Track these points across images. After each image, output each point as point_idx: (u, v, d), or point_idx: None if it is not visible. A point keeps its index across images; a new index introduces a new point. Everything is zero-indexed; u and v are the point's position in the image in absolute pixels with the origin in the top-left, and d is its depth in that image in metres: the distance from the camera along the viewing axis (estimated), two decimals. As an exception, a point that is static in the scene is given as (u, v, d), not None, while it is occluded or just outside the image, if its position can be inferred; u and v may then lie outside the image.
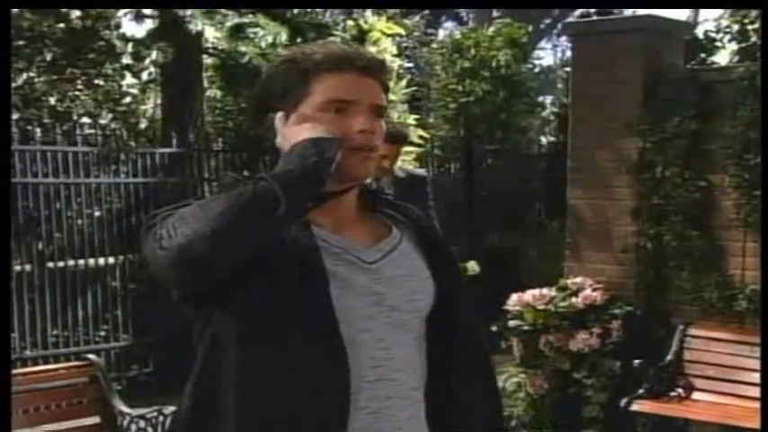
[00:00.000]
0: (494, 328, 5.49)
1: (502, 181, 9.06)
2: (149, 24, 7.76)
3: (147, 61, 7.92)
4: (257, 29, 7.52)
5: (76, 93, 9.06)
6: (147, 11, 7.59)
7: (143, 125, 9.57)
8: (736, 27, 8.10)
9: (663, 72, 5.57)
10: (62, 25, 7.77)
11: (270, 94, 1.59)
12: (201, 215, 1.41)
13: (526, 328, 5.46)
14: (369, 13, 7.53)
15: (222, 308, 1.50)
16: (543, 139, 10.28)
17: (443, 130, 9.25)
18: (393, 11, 10.64)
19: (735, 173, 5.22)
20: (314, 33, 8.03)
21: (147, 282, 6.23)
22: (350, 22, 8.10)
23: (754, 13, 7.57)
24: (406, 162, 6.22)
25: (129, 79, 9.22)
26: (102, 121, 8.88)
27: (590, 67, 5.79)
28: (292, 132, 1.52)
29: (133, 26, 7.90)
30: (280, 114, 1.56)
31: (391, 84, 7.96)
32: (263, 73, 1.65)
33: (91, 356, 4.60)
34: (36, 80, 8.59)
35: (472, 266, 6.21)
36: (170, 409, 4.50)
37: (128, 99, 9.74)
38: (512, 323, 5.52)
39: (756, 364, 4.83)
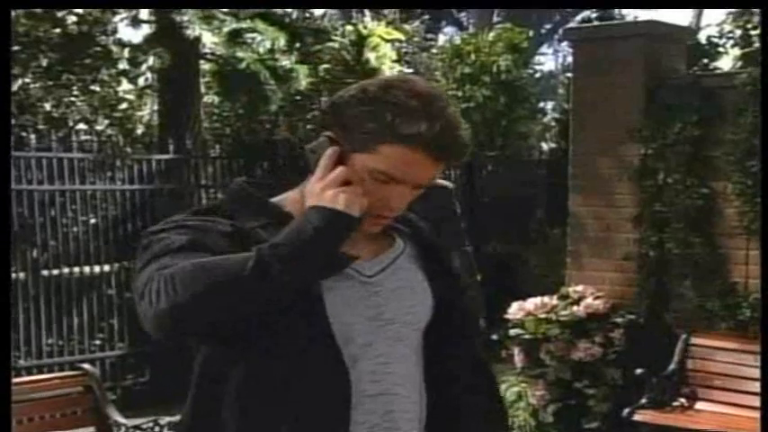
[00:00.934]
0: (494, 337, 5.49)
1: (502, 188, 9.05)
2: (146, 30, 7.77)
3: (144, 67, 7.94)
4: (255, 34, 7.53)
5: (72, 99, 9.06)
6: (143, 16, 7.60)
7: (139, 131, 9.57)
8: (738, 32, 8.11)
9: (665, 78, 5.58)
10: (58, 30, 7.77)
11: (339, 121, 1.49)
12: (191, 284, 1.36)
13: (527, 336, 5.45)
14: (368, 18, 7.55)
15: (222, 340, 1.50)
16: (544, 146, 10.28)
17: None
18: (393, 16, 10.65)
19: (738, 180, 5.22)
20: (312, 39, 8.05)
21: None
22: (349, 28, 8.12)
23: (756, 18, 7.58)
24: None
25: (125, 85, 9.22)
26: (98, 128, 8.88)
27: (591, 73, 5.80)
28: (327, 192, 1.44)
29: (130, 31, 7.92)
30: (333, 151, 1.48)
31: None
32: (360, 87, 1.51)
33: (86, 366, 4.60)
34: (31, 86, 8.59)
35: (472, 274, 6.20)
36: (166, 419, 4.50)
37: (124, 105, 9.74)
38: (513, 332, 5.52)
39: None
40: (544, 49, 20.99)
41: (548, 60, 21.75)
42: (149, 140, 8.24)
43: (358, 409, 1.49)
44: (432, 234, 1.70)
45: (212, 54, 7.99)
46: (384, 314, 1.54)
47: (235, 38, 7.46)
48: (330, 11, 12.51)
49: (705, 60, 7.95)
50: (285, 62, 7.63)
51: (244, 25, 7.50)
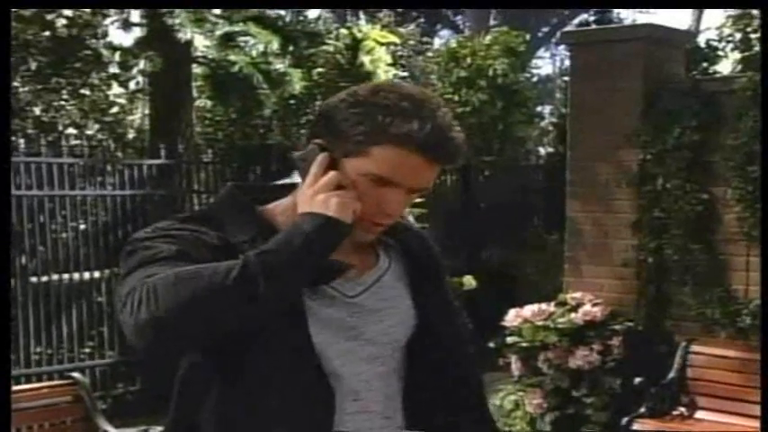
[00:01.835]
0: (491, 345, 5.48)
1: (499, 193, 9.06)
2: (137, 33, 7.77)
3: (135, 70, 7.93)
4: (248, 37, 7.53)
5: (62, 103, 9.05)
6: (134, 19, 7.59)
7: (130, 136, 9.56)
8: (738, 35, 8.13)
9: (664, 82, 5.59)
10: (47, 33, 7.76)
11: (330, 126, 1.48)
12: (172, 295, 1.34)
13: (524, 344, 5.45)
14: (363, 21, 7.56)
15: (203, 353, 1.51)
16: (541, 151, 10.29)
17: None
18: (388, 19, 10.67)
19: (738, 185, 5.23)
20: (306, 42, 8.05)
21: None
22: (343, 31, 8.13)
23: (757, 21, 7.59)
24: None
25: (116, 89, 9.22)
26: (89, 132, 8.87)
27: (589, 77, 5.81)
28: (318, 197, 1.43)
29: (120, 35, 7.91)
30: (323, 157, 1.46)
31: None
32: (350, 92, 1.50)
33: (75, 375, 4.58)
34: (20, 90, 8.58)
35: (468, 281, 6.21)
36: (157, 429, 4.49)
37: (115, 109, 9.74)
38: (509, 339, 5.52)
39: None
40: (541, 52, 21.03)
41: (545, 64, 21.82)
42: (140, 145, 8.23)
43: (337, 428, 1.50)
44: (421, 247, 1.68)
45: (204, 57, 7.99)
46: (364, 334, 1.54)
47: (227, 41, 7.46)
48: (324, 14, 12.53)
49: (705, 64, 7.96)
50: (279, 66, 7.63)
51: (236, 28, 7.50)
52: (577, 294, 5.59)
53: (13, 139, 6.62)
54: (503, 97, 8.82)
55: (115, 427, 4.36)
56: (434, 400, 1.61)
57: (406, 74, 10.27)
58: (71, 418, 4.29)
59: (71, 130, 8.81)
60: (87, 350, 6.65)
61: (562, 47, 16.75)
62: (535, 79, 12.06)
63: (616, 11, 17.83)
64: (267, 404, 1.48)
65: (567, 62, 8.41)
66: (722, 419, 5.06)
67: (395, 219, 1.54)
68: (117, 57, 7.76)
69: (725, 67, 8.26)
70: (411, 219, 3.30)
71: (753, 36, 7.74)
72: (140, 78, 8.58)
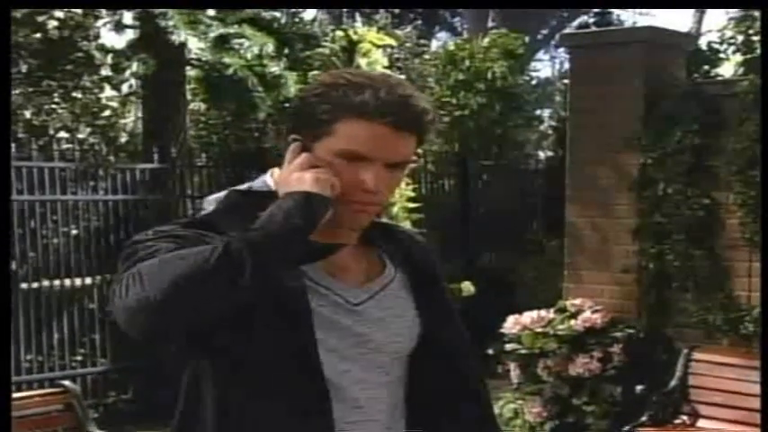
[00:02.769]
0: (490, 352, 5.48)
1: (498, 198, 9.07)
2: (129, 35, 7.76)
3: (128, 73, 7.91)
4: (242, 40, 7.53)
5: (53, 106, 9.04)
6: (127, 20, 7.59)
7: (123, 140, 9.56)
8: (740, 38, 8.15)
9: (664, 85, 5.60)
10: (38, 35, 7.76)
11: (298, 115, 1.56)
12: (157, 276, 1.36)
13: (523, 351, 5.45)
14: (359, 23, 7.57)
15: (200, 345, 1.51)
16: (541, 155, 10.31)
17: (437, 144, 9.26)
18: (385, 21, 10.68)
19: (740, 190, 5.23)
20: (302, 44, 8.05)
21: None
22: (339, 33, 8.12)
23: (758, 23, 7.61)
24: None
25: (108, 92, 9.20)
26: (80, 136, 8.86)
27: (589, 80, 5.82)
28: (293, 177, 1.48)
29: (113, 37, 7.90)
30: (295, 144, 1.52)
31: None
32: (305, 89, 1.62)
33: (66, 383, 4.57)
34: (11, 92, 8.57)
35: (467, 287, 6.21)
36: (149, 437, 4.48)
37: (107, 112, 9.72)
38: (508, 347, 5.52)
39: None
40: (540, 55, 21.05)
41: (544, 67, 21.81)
42: (133, 149, 8.23)
43: None
44: (423, 255, 1.70)
45: (198, 60, 7.99)
46: (368, 343, 1.56)
47: (222, 43, 7.45)
48: (320, 16, 12.55)
49: (706, 67, 7.98)
50: (274, 68, 7.63)
51: (231, 30, 7.50)
52: (577, 301, 5.60)
53: (4, 142, 6.60)
54: (501, 100, 8.84)
55: (107, 436, 4.35)
56: (438, 410, 1.63)
57: (403, 76, 10.29)
58: (62, 427, 4.28)
59: (62, 134, 8.80)
60: (79, 358, 6.64)
61: (561, 49, 16.78)
62: (534, 82, 12.05)
63: (616, 13, 17.88)
64: (266, 409, 1.49)
65: (567, 65, 8.43)
66: (725, 428, 5.06)
67: (379, 197, 1.54)
68: (109, 59, 7.76)
69: (727, 69, 8.27)
70: (408, 224, 3.30)
71: (755, 38, 7.76)
72: (133, 81, 8.57)
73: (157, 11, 7.04)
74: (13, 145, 6.57)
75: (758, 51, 7.29)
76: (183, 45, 7.40)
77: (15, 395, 5.00)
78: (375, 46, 7.49)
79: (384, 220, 1.85)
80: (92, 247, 6.71)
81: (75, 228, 6.72)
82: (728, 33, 8.33)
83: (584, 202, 5.84)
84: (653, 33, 5.86)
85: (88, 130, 9.33)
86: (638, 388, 5.17)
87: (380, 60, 7.80)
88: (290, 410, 1.49)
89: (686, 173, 5.42)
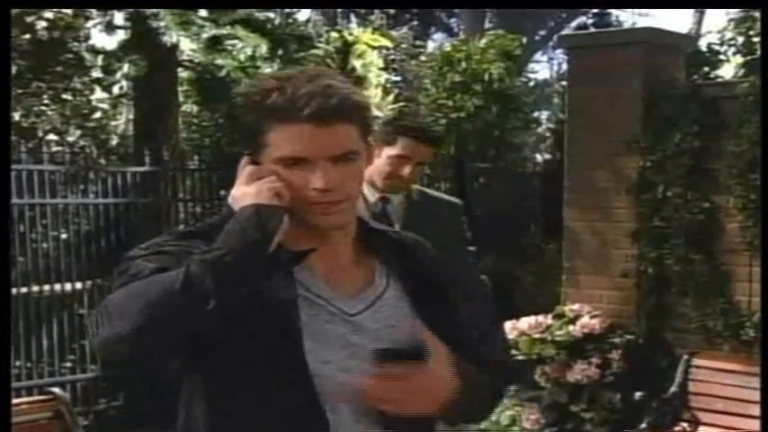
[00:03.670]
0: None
1: (495, 201, 9.06)
2: (121, 36, 7.76)
3: (119, 74, 7.91)
4: (235, 41, 7.53)
5: (42, 108, 9.04)
6: (118, 21, 7.59)
7: (114, 142, 9.56)
8: (740, 39, 8.17)
9: (664, 87, 5.61)
10: (27, 36, 7.75)
11: (239, 131, 1.63)
12: (126, 309, 1.41)
13: (521, 357, 5.45)
14: (354, 24, 7.57)
15: (190, 357, 1.53)
16: (538, 157, 10.31)
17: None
18: (380, 22, 10.69)
19: (740, 193, 5.24)
20: (296, 46, 8.05)
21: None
22: (334, 34, 8.13)
23: (758, 24, 7.63)
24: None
25: (98, 93, 9.20)
26: (70, 138, 8.86)
27: (587, 82, 5.83)
28: (240, 192, 1.51)
29: (103, 37, 7.90)
30: (243, 160, 1.56)
31: (377, 99, 8.01)
32: (237, 103, 1.63)
33: (55, 390, 4.55)
34: (-1, 94, 8.56)
35: (463, 292, 6.18)
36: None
37: (97, 114, 9.72)
38: (506, 353, 5.52)
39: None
40: (538, 56, 21.09)
41: (542, 68, 21.84)
42: (124, 152, 8.21)
43: None
44: (431, 266, 1.68)
45: (191, 61, 7.99)
46: (362, 353, 1.55)
47: (214, 44, 7.45)
48: (314, 16, 12.55)
49: (706, 69, 8.00)
50: (267, 70, 7.63)
51: (224, 31, 7.50)
52: (575, 306, 5.60)
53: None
54: (499, 102, 8.84)
55: (97, 444, 4.34)
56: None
57: (398, 78, 10.30)
58: (51, 435, 4.26)
59: (52, 136, 8.80)
60: (68, 364, 6.63)
61: (560, 51, 16.82)
62: (532, 84, 12.08)
63: (615, 14, 17.93)
64: (259, 423, 1.50)
65: (565, 66, 8.44)
66: (725, 435, 5.06)
67: (335, 194, 1.52)
68: (100, 60, 7.76)
69: (727, 71, 8.30)
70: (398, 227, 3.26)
71: (755, 39, 7.78)
72: (124, 83, 8.57)
73: (149, 11, 7.03)
74: (1, 147, 6.57)
75: (758, 53, 7.30)
76: (174, 46, 7.40)
77: (3, 402, 5.00)
78: (370, 47, 7.50)
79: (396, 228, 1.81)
80: (82, 251, 6.69)
81: (64, 232, 6.70)
82: (728, 34, 8.35)
83: (582, 206, 5.85)
84: (652, 34, 5.88)
85: (78, 132, 9.33)
86: (638, 394, 5.17)
87: (376, 62, 7.81)
88: (284, 423, 1.49)
89: (686, 176, 5.43)
